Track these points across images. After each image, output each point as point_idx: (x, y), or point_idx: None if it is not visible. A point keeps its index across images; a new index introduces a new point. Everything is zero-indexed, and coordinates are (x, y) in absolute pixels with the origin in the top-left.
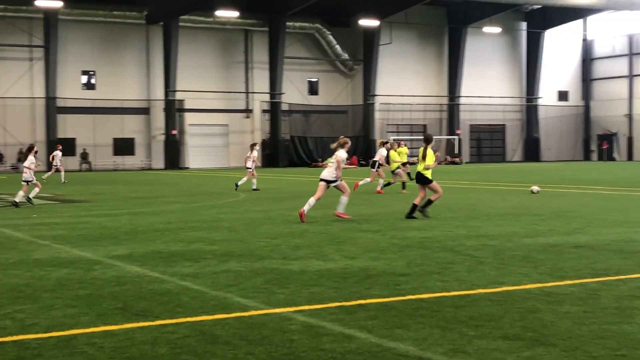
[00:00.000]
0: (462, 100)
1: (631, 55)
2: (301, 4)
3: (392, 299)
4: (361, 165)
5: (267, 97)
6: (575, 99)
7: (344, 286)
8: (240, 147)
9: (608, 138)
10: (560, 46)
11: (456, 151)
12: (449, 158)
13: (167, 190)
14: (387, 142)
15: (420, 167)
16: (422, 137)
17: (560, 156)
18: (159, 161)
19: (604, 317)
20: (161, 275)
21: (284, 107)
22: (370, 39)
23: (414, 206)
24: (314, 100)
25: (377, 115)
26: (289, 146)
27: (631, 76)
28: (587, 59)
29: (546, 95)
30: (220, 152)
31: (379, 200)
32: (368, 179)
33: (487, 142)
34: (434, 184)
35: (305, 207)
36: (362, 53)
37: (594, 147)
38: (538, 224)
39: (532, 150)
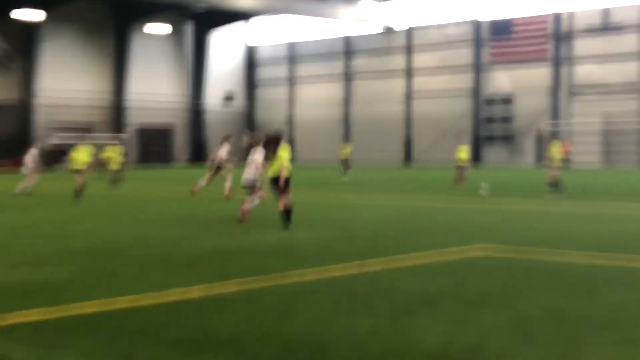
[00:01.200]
0: (130, 101)
1: (291, 61)
2: None
3: None
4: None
5: None
6: (240, 102)
7: None
8: None
9: None
10: (227, 50)
11: (124, 152)
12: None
13: None
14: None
15: (273, 170)
16: (273, 136)
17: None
18: None
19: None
20: None
21: None
22: (31, 32)
23: (286, 212)
24: None
25: (39, 113)
26: None
27: (291, 82)
28: (252, 64)
29: (213, 98)
30: None
31: None
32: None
33: (156, 143)
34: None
35: (247, 205)
36: (21, 47)
37: None
38: (205, 227)
39: (199, 153)
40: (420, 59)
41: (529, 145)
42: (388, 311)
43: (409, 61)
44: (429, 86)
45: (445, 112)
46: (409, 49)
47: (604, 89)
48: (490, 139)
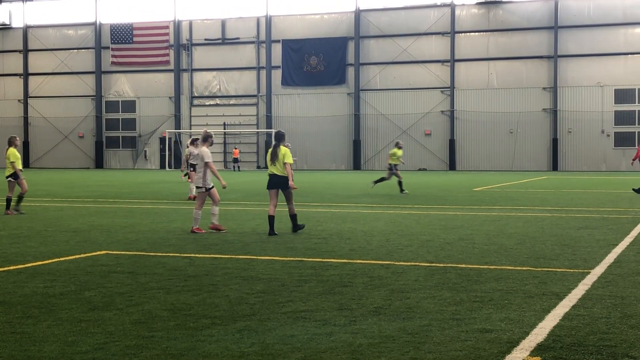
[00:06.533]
0: None
1: None
2: None
3: None
4: None
5: None
6: None
7: None
8: None
9: None
10: None
11: None
12: None
13: None
14: None
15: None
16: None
17: None
18: None
19: None
20: None
21: None
22: None
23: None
24: None
25: None
26: None
27: None
28: None
29: None
30: None
31: None
32: None
33: None
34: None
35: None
36: None
37: None
38: None
39: None
40: (39, 59)
41: (153, 150)
42: (4, 318)
43: (25, 61)
44: (49, 88)
45: (66, 115)
46: (25, 48)
47: (223, 98)
48: (114, 143)
